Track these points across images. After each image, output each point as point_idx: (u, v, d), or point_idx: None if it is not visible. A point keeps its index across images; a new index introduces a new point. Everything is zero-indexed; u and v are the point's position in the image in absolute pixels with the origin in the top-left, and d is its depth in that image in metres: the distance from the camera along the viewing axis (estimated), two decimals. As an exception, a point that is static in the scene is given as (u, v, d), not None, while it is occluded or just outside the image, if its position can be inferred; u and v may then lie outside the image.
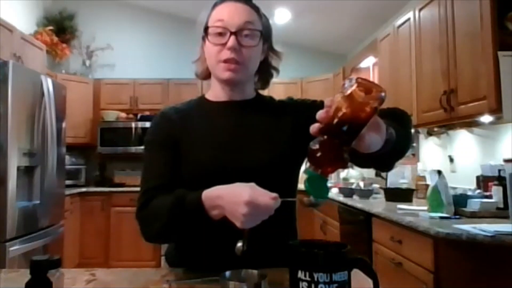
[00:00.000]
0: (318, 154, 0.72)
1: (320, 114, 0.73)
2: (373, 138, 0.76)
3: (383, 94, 0.70)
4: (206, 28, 1.04)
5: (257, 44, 1.05)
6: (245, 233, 0.86)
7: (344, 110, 0.69)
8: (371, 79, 4.30)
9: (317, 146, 0.72)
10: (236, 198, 0.84)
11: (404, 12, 3.23)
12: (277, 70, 1.16)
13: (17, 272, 1.11)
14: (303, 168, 1.19)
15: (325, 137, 0.72)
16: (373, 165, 1.00)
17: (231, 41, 1.01)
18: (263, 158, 1.05)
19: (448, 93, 2.44)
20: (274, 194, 0.84)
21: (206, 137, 1.08)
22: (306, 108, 1.10)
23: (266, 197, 0.83)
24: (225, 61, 1.03)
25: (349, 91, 0.69)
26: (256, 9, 1.09)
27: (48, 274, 0.74)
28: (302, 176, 0.85)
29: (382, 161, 0.93)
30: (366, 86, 0.69)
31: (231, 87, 1.10)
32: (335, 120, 0.70)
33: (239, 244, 0.87)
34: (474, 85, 2.23)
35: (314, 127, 0.73)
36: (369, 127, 0.74)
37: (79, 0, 5.25)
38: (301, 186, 1.18)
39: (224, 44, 1.02)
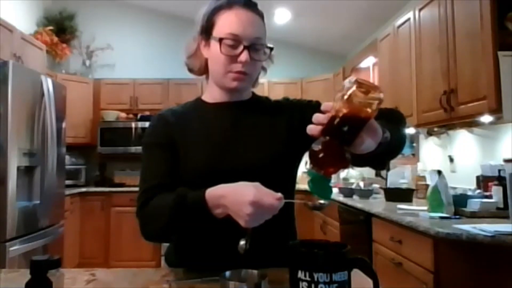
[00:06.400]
0: (321, 155, 0.73)
1: (318, 118, 0.74)
2: (368, 142, 0.77)
3: (381, 94, 0.71)
4: (220, 39, 1.03)
5: (264, 58, 1.08)
6: (248, 232, 0.87)
7: (344, 111, 0.71)
8: (371, 79, 4.32)
9: (319, 147, 0.74)
10: (240, 198, 0.85)
11: (404, 12, 3.23)
12: (265, 70, 1.17)
13: (17, 272, 1.11)
14: (302, 167, 1.19)
15: (327, 138, 0.73)
16: (367, 164, 1.01)
17: (245, 55, 1.02)
18: (259, 158, 1.06)
19: (448, 93, 2.44)
20: (279, 194, 0.85)
21: (202, 138, 1.08)
22: (302, 108, 1.12)
23: (271, 197, 0.84)
24: (235, 72, 1.04)
25: (349, 92, 0.70)
26: (262, 16, 1.09)
27: (48, 274, 0.74)
28: (302, 176, 0.86)
29: (376, 160, 0.94)
30: (365, 86, 0.71)
31: (231, 92, 1.11)
32: (336, 121, 0.72)
33: (242, 242, 0.87)
34: (474, 85, 2.22)
35: (315, 129, 0.74)
36: (366, 131, 0.75)
37: (79, 0, 5.25)
38: (300, 186, 1.17)
39: (235, 56, 1.03)
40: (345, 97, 0.70)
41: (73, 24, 5.18)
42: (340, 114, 0.71)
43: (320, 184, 0.78)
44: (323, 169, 0.75)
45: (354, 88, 0.70)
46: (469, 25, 2.27)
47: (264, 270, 0.81)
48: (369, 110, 0.71)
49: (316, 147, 0.74)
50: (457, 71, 2.38)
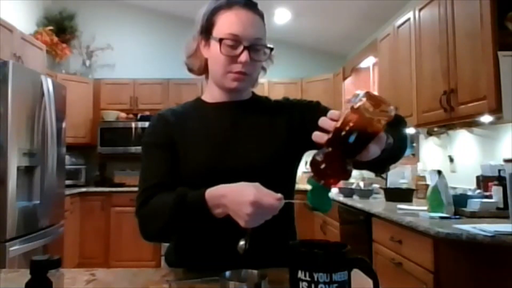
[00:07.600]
0: (322, 166, 0.73)
1: (326, 123, 0.73)
2: (373, 149, 0.77)
3: (391, 108, 0.70)
4: (220, 39, 1.02)
5: (264, 59, 1.08)
6: (247, 232, 0.87)
7: (352, 124, 0.69)
8: (371, 79, 4.31)
9: (321, 158, 0.73)
10: (241, 198, 0.85)
11: (404, 12, 3.23)
12: (265, 70, 1.17)
13: (17, 272, 1.11)
14: (302, 167, 1.19)
15: (330, 149, 0.72)
16: (367, 168, 1.01)
17: (245, 56, 1.02)
18: (259, 158, 1.06)
19: (448, 93, 2.44)
20: (279, 195, 0.85)
21: (202, 138, 1.08)
22: (302, 109, 1.12)
23: (271, 198, 0.84)
24: (235, 73, 1.04)
25: (358, 104, 0.69)
26: (262, 16, 1.09)
27: (48, 274, 0.74)
28: (302, 176, 0.85)
29: (377, 166, 0.94)
30: (375, 100, 0.69)
31: (231, 92, 1.10)
32: (343, 133, 0.70)
33: (242, 242, 0.87)
34: (474, 85, 2.22)
35: (321, 138, 0.73)
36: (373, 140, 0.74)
37: (79, 0, 5.25)
38: (300, 186, 1.17)
39: (235, 56, 1.02)
40: (354, 109, 0.69)
41: (73, 24, 5.18)
42: (347, 128, 0.69)
43: (319, 194, 0.78)
44: (324, 180, 0.75)
45: (363, 101, 0.68)
46: (469, 25, 2.27)
47: (264, 270, 0.81)
48: (377, 124, 0.70)
49: (319, 157, 0.73)
50: (457, 71, 2.38)
